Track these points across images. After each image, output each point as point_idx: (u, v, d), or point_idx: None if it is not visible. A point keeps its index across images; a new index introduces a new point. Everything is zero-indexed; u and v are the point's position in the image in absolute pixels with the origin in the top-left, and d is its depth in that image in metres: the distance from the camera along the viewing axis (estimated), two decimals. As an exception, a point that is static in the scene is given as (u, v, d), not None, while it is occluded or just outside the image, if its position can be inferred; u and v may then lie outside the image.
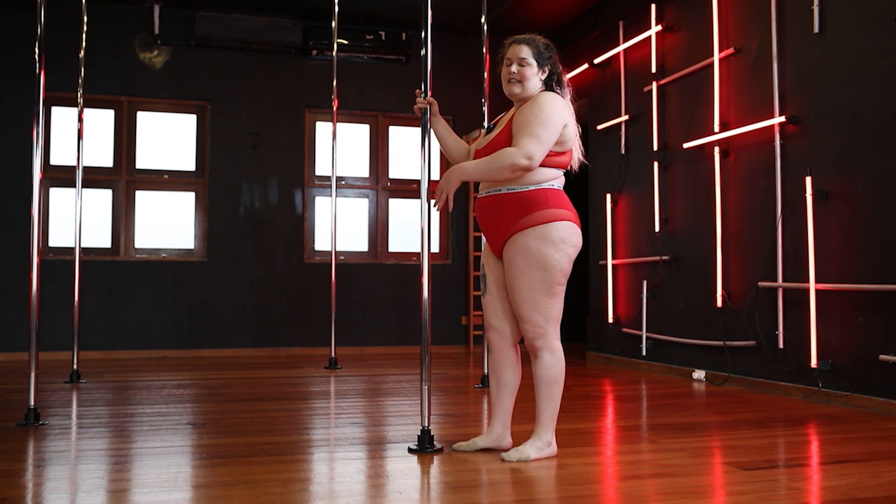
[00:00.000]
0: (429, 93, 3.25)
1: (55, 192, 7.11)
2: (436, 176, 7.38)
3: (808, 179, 4.62)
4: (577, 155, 3.06)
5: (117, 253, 7.24)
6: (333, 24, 6.42)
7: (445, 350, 7.64)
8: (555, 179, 2.97)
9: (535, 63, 2.99)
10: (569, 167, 3.05)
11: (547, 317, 2.93)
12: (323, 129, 7.79)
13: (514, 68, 2.99)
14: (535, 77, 2.99)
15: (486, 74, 5.07)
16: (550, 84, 3.04)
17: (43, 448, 3.17)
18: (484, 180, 2.95)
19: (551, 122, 2.87)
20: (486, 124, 3.17)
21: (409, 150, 8.08)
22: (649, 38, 6.25)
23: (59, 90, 6.73)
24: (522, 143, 2.84)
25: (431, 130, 3.23)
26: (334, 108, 6.45)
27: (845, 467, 2.91)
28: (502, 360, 3.10)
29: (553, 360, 2.95)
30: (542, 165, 2.90)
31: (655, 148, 6.15)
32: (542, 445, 2.97)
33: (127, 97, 7.32)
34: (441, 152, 3.30)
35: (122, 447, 3.24)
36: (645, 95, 6.33)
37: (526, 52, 2.98)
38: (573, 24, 7.58)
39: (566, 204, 2.95)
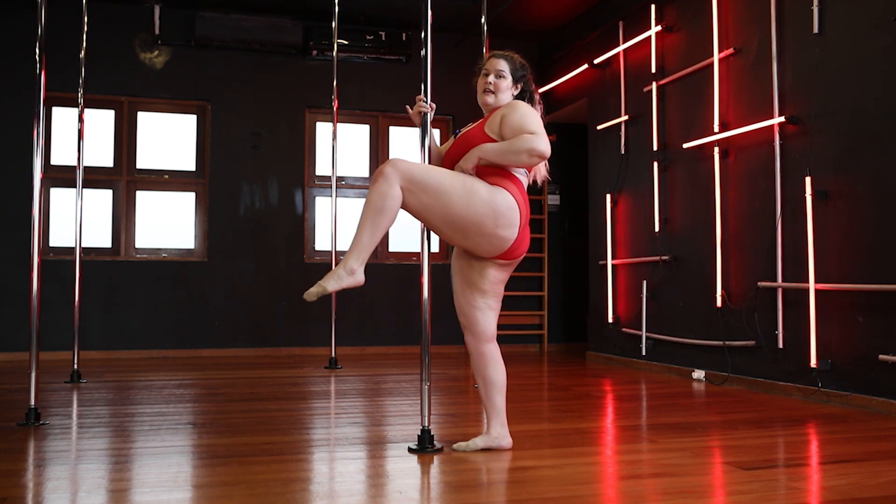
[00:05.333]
0: (429, 94, 3.26)
1: (55, 192, 7.11)
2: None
3: (808, 179, 4.63)
4: (543, 171, 3.13)
5: (118, 253, 7.24)
6: (333, 24, 6.43)
7: (445, 350, 7.63)
8: (520, 173, 3.03)
9: (510, 77, 3.13)
10: (533, 174, 3.11)
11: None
12: (323, 129, 7.79)
13: (490, 78, 3.12)
14: (508, 91, 3.13)
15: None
16: (523, 100, 3.15)
17: (43, 448, 3.17)
18: (500, 163, 2.96)
19: (537, 121, 2.96)
20: (456, 131, 3.22)
21: (409, 151, 8.08)
22: (649, 38, 6.25)
23: (59, 90, 6.73)
24: (531, 138, 2.90)
25: (430, 132, 3.25)
26: (334, 108, 6.45)
27: (845, 467, 2.91)
28: (479, 358, 3.11)
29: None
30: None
31: (655, 148, 6.15)
32: None
33: (127, 97, 7.32)
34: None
35: (122, 447, 3.24)
36: (645, 95, 6.33)
37: (504, 65, 3.12)
38: (573, 24, 7.58)
39: (524, 193, 3.00)
